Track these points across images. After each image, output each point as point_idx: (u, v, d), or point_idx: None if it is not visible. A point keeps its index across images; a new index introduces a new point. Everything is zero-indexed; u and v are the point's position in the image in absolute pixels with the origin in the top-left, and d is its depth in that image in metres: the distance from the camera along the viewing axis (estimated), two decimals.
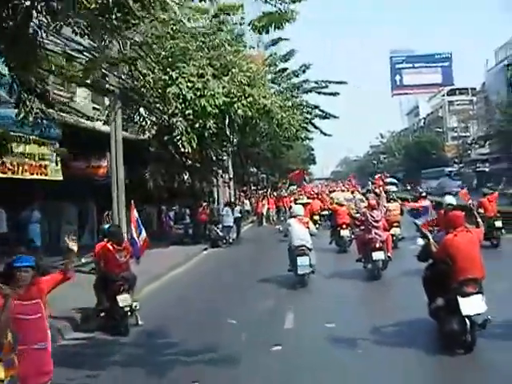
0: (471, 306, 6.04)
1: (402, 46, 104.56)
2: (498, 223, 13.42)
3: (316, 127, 32.51)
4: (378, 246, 10.97)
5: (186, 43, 12.98)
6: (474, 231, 6.67)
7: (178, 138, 16.00)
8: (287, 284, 10.90)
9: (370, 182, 24.96)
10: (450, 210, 8.06)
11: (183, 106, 16.35)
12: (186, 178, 19.33)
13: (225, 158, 21.59)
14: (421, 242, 7.46)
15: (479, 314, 6.06)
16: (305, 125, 31.57)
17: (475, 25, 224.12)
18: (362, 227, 11.89)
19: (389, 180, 20.66)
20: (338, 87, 30.86)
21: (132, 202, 9.86)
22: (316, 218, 21.31)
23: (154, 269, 12.90)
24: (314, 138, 57.18)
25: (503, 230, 13.52)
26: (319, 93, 31.09)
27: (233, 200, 24.99)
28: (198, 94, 15.84)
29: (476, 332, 6.07)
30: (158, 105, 16.19)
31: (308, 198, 23.73)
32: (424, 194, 15.47)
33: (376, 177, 20.89)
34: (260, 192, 33.41)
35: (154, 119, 17.47)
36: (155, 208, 22.21)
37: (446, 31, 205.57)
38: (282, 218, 26.72)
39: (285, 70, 29.87)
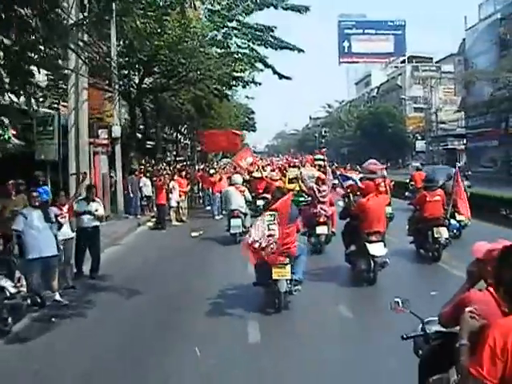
0: (375, 249, 8.48)
1: (353, 10, 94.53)
2: None
3: (268, 65, 20.31)
4: (322, 220, 11.22)
5: None
6: (382, 197, 9.66)
7: None
8: None
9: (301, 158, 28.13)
10: (365, 181, 10.79)
11: None
12: None
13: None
14: (341, 203, 10.18)
15: (380, 257, 8.52)
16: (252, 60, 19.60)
17: None
18: (309, 199, 11.98)
19: (317, 157, 21.83)
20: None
21: None
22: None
23: None
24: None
25: None
26: (276, 6, 18.95)
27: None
28: None
29: (377, 270, 8.56)
30: None
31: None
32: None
33: (307, 157, 23.95)
34: (169, 168, 20.11)
35: None
36: None
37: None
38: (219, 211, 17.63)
39: None
